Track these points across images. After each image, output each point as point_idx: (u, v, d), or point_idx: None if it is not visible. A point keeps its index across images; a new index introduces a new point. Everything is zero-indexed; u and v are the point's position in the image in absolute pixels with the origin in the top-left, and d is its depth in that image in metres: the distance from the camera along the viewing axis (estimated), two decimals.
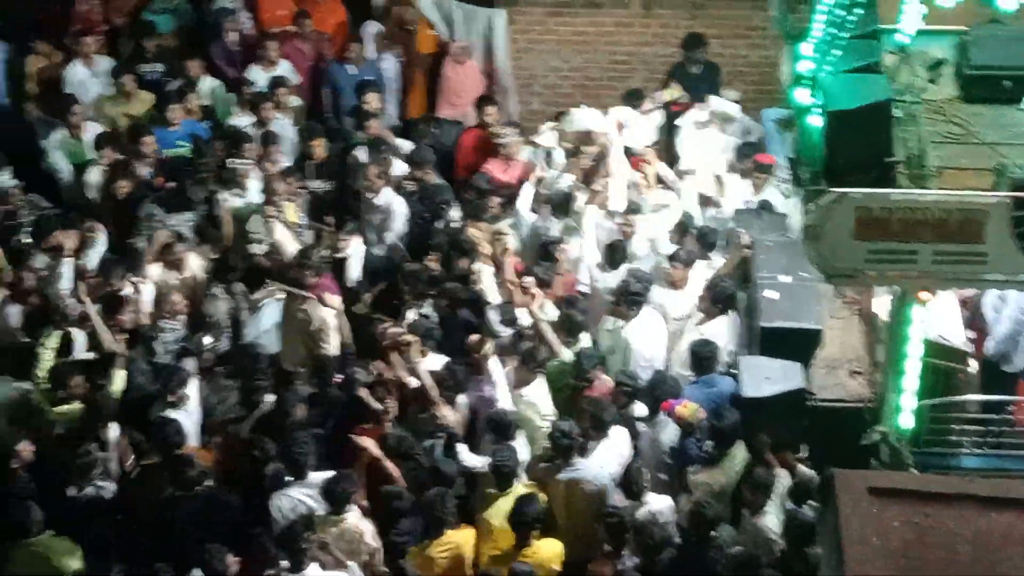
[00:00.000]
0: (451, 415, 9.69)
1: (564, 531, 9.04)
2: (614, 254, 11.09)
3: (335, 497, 8.78)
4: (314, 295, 10.60)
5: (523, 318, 10.41)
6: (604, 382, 9.96)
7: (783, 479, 9.02)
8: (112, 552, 8.78)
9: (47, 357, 10.01)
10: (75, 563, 8.77)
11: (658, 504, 9.01)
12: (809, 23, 9.31)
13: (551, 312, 10.45)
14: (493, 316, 10.49)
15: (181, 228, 11.67)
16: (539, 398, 9.85)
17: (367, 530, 8.85)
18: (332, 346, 10.64)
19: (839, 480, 6.56)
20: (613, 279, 10.84)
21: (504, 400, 9.78)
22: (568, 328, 10.25)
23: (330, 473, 8.98)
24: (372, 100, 13.15)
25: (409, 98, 14.49)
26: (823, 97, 8.86)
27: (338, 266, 11.51)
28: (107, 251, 11.50)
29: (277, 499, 8.99)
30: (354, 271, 11.56)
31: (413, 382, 9.78)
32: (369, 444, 9.29)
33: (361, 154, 12.46)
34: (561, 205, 11.67)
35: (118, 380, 9.92)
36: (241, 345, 10.77)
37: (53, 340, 10.07)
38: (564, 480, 9.11)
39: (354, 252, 11.60)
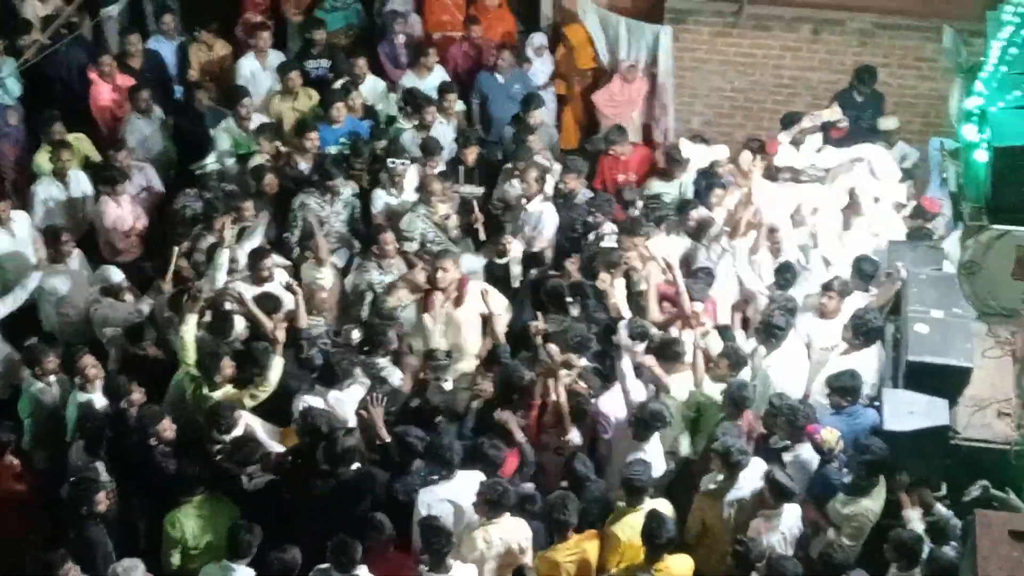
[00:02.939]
0: (577, 438, 9.66)
1: (705, 548, 9.00)
2: (785, 274, 10.95)
3: (496, 502, 8.66)
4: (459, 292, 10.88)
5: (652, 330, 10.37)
6: (747, 414, 9.82)
7: (915, 520, 8.85)
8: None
9: (190, 340, 9.99)
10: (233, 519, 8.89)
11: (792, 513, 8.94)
12: (983, 57, 9.14)
13: (714, 342, 10.36)
14: (622, 330, 10.42)
15: (332, 220, 11.98)
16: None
17: (524, 536, 8.80)
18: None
19: (980, 521, 6.46)
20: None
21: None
22: (733, 361, 10.00)
23: (475, 473, 8.95)
24: (537, 116, 13.26)
25: (564, 110, 14.69)
26: (991, 132, 8.70)
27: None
28: (264, 239, 11.63)
29: (424, 495, 8.92)
30: (516, 269, 11.72)
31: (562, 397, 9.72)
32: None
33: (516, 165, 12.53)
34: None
35: (276, 368, 9.94)
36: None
37: (191, 322, 10.03)
38: (733, 500, 9.04)
39: (515, 255, 11.77)
